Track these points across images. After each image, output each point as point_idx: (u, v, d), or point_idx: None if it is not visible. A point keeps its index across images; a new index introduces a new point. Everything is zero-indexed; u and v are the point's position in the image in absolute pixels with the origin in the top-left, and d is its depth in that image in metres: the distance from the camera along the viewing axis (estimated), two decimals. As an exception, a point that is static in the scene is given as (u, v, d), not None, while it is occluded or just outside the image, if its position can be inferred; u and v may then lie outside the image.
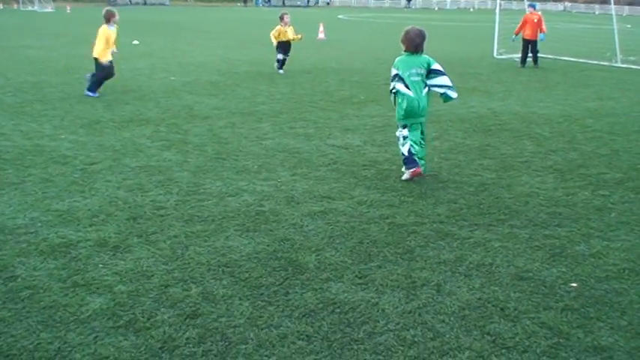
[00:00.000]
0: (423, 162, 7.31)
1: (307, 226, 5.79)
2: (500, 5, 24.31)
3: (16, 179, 7.09)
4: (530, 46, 19.38)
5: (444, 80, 7.13)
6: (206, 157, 8.17)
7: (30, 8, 77.19)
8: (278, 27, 16.38)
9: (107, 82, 12.91)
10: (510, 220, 6.01)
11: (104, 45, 12.33)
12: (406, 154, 7.15)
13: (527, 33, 19.33)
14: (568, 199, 6.69)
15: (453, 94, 7.18)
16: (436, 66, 7.13)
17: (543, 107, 12.21)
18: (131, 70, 16.93)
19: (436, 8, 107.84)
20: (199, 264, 4.97)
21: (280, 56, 16.53)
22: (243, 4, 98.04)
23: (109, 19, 12.45)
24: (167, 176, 7.29)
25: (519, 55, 19.93)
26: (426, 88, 7.13)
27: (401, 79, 7.06)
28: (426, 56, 7.17)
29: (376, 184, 7.09)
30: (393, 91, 7.18)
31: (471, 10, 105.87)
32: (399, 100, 7.14)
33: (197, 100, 12.46)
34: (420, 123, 7.26)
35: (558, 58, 21.61)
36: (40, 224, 5.75)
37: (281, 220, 5.93)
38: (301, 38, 16.92)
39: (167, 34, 32.30)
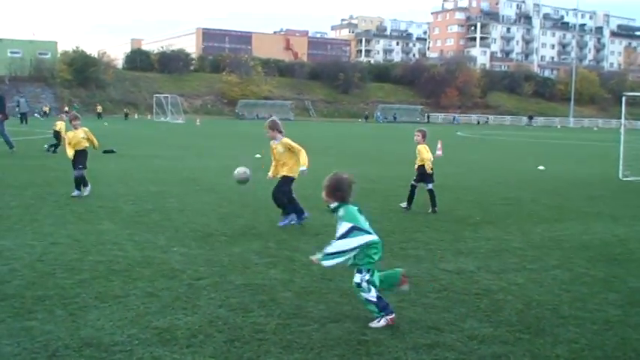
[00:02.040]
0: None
1: (411, 361, 5.36)
2: (624, 125, 23.35)
3: (121, 292, 7.12)
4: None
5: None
6: (312, 277, 7.96)
7: (162, 119, 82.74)
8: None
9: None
10: (641, 368, 5.33)
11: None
12: (375, 299, 6.29)
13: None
14: None
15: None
16: None
17: (677, 236, 11.26)
18: (250, 182, 17.29)
19: (559, 126, 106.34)
20: (292, 399, 4.65)
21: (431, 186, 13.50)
22: (364, 120, 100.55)
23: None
24: (270, 296, 7.11)
25: (649, 178, 18.87)
26: None
27: (363, 230, 6.38)
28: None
29: (489, 316, 6.57)
30: (363, 244, 6.33)
31: (595, 128, 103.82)
32: (374, 250, 6.38)
33: (311, 214, 12.41)
34: None
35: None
36: (137, 342, 5.65)
37: (383, 353, 5.53)
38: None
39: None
